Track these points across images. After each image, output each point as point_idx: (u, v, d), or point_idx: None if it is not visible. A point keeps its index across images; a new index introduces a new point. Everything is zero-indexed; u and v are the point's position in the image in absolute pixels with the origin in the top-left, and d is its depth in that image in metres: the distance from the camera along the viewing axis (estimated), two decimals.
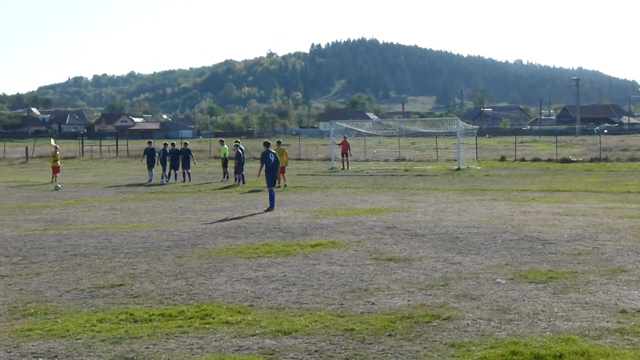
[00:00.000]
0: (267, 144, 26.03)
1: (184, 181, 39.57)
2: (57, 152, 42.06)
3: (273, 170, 25.37)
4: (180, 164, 40.14)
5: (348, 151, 52.23)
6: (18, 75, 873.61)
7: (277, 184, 27.40)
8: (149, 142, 43.77)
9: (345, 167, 51.30)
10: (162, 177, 40.29)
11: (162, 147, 41.51)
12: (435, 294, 11.77)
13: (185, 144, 41.65)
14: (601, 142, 62.27)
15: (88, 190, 35.06)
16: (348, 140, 53.58)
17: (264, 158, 25.40)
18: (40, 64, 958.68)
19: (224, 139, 45.86)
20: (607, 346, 8.81)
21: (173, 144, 41.72)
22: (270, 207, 24.79)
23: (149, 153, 41.48)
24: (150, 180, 40.15)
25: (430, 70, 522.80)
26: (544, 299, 11.30)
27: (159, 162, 40.93)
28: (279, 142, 37.96)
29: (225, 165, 40.40)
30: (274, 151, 25.97)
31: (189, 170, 40.39)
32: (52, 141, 48.14)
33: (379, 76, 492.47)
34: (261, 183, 34.74)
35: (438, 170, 47.88)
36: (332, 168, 51.30)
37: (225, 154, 40.91)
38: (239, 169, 37.09)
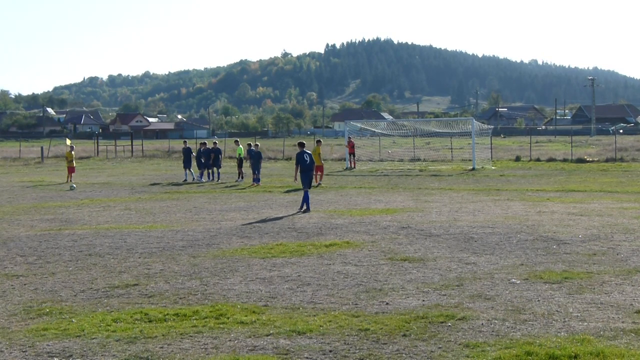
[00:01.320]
0: (301, 145, 25.64)
1: (214, 180, 40.02)
2: (73, 152, 42.18)
3: (308, 170, 25.04)
4: (212, 162, 40.55)
5: (353, 150, 53.14)
6: (33, 76, 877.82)
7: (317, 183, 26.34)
8: (185, 142, 44.10)
9: (352, 167, 51.84)
10: (201, 176, 40.81)
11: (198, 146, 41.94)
12: (450, 294, 11.75)
13: (215, 143, 41.99)
14: (617, 142, 62.02)
15: (103, 190, 35.17)
16: (353, 140, 54.48)
17: (299, 159, 25.00)
18: (55, 64, 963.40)
19: (238, 139, 46.02)
20: (622, 347, 8.78)
21: (204, 144, 42.05)
22: (307, 209, 24.39)
23: (185, 153, 41.72)
24: (185, 180, 40.45)
25: (445, 70, 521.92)
26: (559, 299, 11.27)
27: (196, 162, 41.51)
28: (318, 142, 38.12)
29: (240, 166, 40.52)
30: (309, 152, 25.52)
31: (218, 170, 40.81)
32: (68, 141, 48.28)
33: (393, 76, 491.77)
34: (272, 184, 34.94)
35: (453, 170, 47.78)
36: (346, 168, 51.29)
37: (240, 154, 41.01)
38: (255, 168, 37.49)
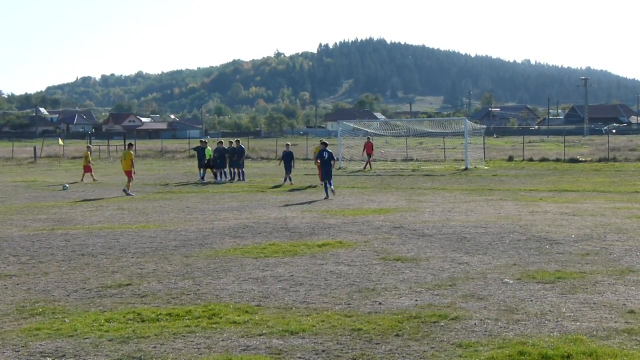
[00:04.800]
0: (324, 144, 30.92)
1: (235, 180, 39.99)
2: (90, 153, 43.09)
3: (323, 165, 29.68)
4: (232, 161, 40.55)
5: (372, 152, 51.81)
6: (26, 75, 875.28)
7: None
8: (201, 141, 43.94)
9: (369, 168, 50.56)
10: (218, 176, 40.69)
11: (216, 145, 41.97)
12: (443, 294, 11.76)
13: (238, 141, 41.77)
14: (609, 142, 62.21)
15: (96, 190, 35.12)
16: (372, 141, 53.40)
17: (319, 155, 30.48)
18: (48, 64, 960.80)
19: (206, 140, 45.92)
20: (615, 346, 8.80)
21: (221, 143, 41.99)
22: (326, 197, 28.91)
23: (200, 152, 41.53)
24: (202, 178, 40.39)
25: (438, 70, 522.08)
26: (551, 299, 11.28)
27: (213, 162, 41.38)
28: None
29: (208, 166, 40.52)
30: (329, 150, 30.35)
31: (241, 170, 40.67)
32: (60, 141, 48.41)
33: (386, 76, 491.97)
34: (264, 184, 35.14)
35: (445, 170, 47.83)
36: (339, 168, 51.00)
37: (210, 156, 40.93)
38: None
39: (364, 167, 50.73)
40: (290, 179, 36.68)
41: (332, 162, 30.03)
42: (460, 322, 10.00)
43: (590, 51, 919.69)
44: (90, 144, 46.83)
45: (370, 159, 51.63)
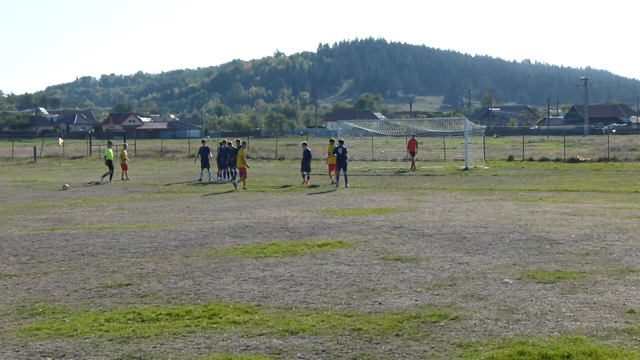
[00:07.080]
0: (340, 142, 36.59)
1: (234, 180, 39.78)
2: (126, 151, 43.71)
3: (338, 159, 35.30)
4: (229, 162, 40.50)
5: (415, 150, 51.13)
6: (26, 75, 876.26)
7: (332, 180, 36.85)
8: (203, 142, 44.06)
9: (413, 167, 49.74)
10: (219, 176, 40.79)
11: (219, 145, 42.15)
12: (443, 293, 11.76)
13: (238, 141, 41.60)
14: (609, 141, 62.19)
15: (96, 189, 35.12)
16: (416, 139, 52.63)
17: (335, 151, 35.68)
18: (48, 64, 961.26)
19: (112, 141, 46.38)
20: (615, 346, 8.79)
21: (223, 142, 42.03)
22: (345, 185, 34.56)
23: (203, 152, 41.52)
24: (201, 179, 40.42)
25: (438, 69, 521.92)
26: (551, 299, 11.28)
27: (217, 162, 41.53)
28: (331, 141, 38.73)
29: (110, 166, 41.23)
30: (343, 147, 35.85)
31: (235, 169, 40.48)
32: (60, 141, 48.37)
33: (386, 76, 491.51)
34: (264, 184, 35.08)
35: (446, 170, 47.79)
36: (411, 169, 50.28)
37: (109, 156, 41.44)
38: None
39: (411, 167, 49.80)
40: (306, 177, 36.56)
41: (346, 155, 35.56)
42: (460, 322, 10.00)
43: (590, 51, 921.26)
44: (125, 142, 47.43)
45: (414, 158, 51.05)
